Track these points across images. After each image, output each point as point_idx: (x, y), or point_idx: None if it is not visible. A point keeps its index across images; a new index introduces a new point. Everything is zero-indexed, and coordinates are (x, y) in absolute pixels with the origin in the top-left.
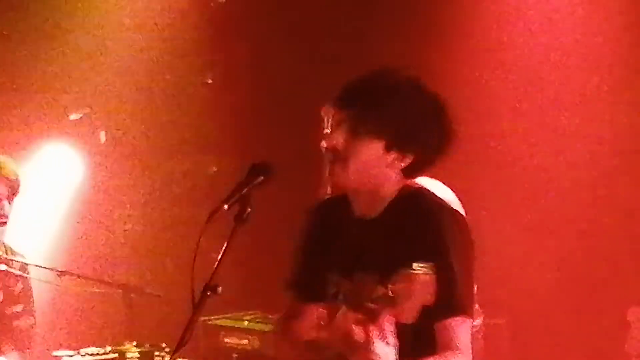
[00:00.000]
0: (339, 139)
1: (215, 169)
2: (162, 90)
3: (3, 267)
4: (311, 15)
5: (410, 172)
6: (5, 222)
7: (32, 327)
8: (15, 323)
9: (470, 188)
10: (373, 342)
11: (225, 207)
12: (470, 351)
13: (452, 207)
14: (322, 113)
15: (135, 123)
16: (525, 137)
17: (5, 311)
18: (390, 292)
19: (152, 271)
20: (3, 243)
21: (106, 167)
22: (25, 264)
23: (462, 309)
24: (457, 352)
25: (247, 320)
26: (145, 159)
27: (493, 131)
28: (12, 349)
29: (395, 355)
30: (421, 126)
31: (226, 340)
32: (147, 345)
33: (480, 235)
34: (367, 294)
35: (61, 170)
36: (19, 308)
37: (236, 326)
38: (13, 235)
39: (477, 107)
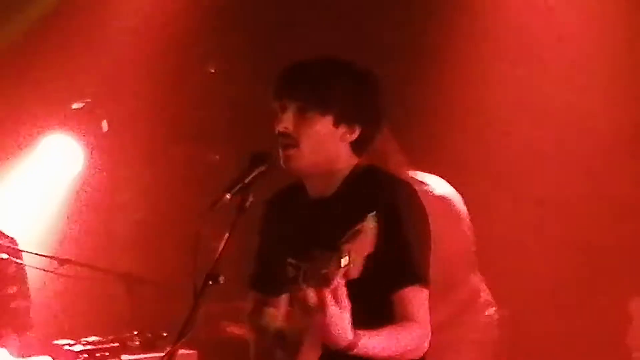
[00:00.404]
0: (289, 123)
1: (217, 157)
2: (165, 79)
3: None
4: (311, 4)
5: (359, 147)
6: None
7: (28, 309)
8: (12, 305)
9: (471, 182)
10: (328, 305)
11: (227, 196)
12: (428, 321)
13: (406, 181)
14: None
15: (138, 112)
16: (527, 126)
17: (1, 293)
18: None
19: (154, 260)
20: None
21: (108, 156)
22: (15, 248)
23: (417, 277)
24: (413, 322)
25: None
26: (147, 148)
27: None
28: (12, 334)
29: (349, 319)
30: (363, 99)
31: (227, 329)
32: (149, 334)
33: (483, 227)
34: (324, 268)
35: (63, 159)
36: (13, 289)
37: (238, 315)
38: (14, 223)
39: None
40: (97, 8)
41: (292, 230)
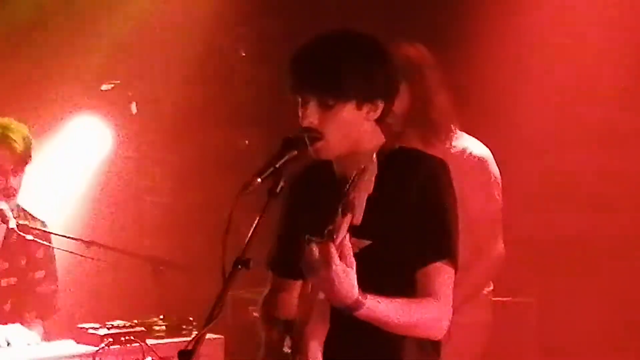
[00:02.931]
0: (314, 117)
1: (247, 142)
2: (195, 62)
3: (29, 237)
4: None
5: (382, 116)
6: (14, 195)
7: (55, 293)
8: (39, 289)
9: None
10: (333, 259)
11: (259, 180)
12: (449, 301)
13: (438, 157)
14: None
15: (167, 95)
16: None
17: (28, 277)
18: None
19: (181, 244)
20: (23, 209)
21: (137, 139)
22: (47, 232)
23: (444, 254)
24: (434, 299)
25: None
26: (176, 132)
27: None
28: (36, 317)
29: (354, 276)
30: (379, 72)
31: (255, 314)
32: (175, 319)
33: (511, 212)
34: (350, 249)
35: (91, 141)
36: (41, 274)
37: None
38: (42, 205)
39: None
40: None
41: (317, 211)
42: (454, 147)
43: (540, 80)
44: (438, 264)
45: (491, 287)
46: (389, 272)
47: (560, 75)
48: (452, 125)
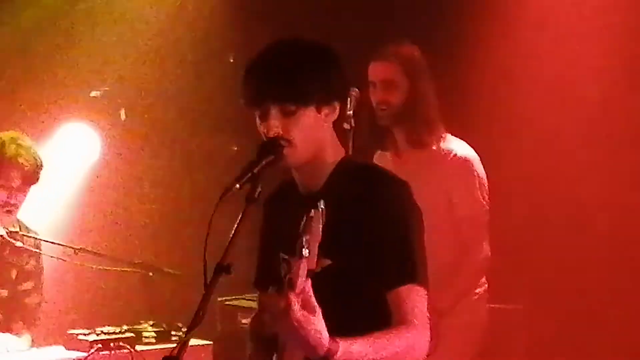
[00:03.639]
0: (277, 126)
1: (235, 148)
2: (184, 69)
3: (19, 243)
4: None
5: (338, 121)
6: (13, 211)
7: (40, 304)
8: (26, 300)
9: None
10: (294, 310)
11: (237, 186)
12: (426, 322)
13: (398, 177)
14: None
15: (156, 102)
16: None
17: (18, 288)
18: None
19: (170, 250)
20: (17, 220)
21: (126, 146)
22: (38, 240)
23: (412, 276)
24: (412, 326)
25: None
26: (165, 138)
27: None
28: (24, 327)
29: (321, 324)
30: (332, 75)
31: (243, 321)
32: (164, 325)
33: (499, 219)
34: (311, 268)
35: (80, 147)
36: (29, 285)
37: (253, 307)
38: (30, 213)
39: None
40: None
41: (287, 227)
42: (441, 148)
43: (531, 81)
44: (408, 286)
45: (485, 286)
46: (353, 292)
47: (552, 77)
48: (440, 127)
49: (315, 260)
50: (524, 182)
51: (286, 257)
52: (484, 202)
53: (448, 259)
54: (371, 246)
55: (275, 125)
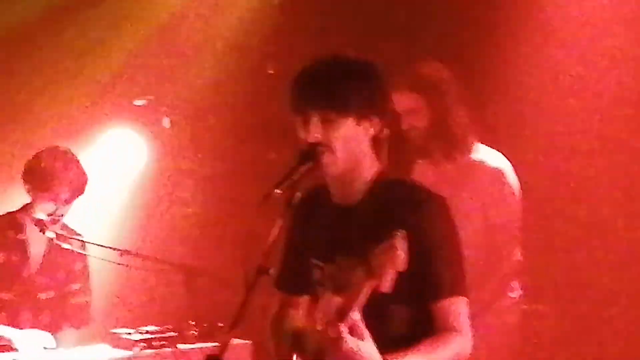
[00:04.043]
0: (317, 132)
1: (273, 155)
2: (226, 79)
3: (67, 245)
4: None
5: (379, 144)
6: (58, 221)
7: (88, 304)
8: (73, 300)
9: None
10: (344, 339)
11: (277, 191)
12: (468, 329)
13: (435, 193)
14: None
15: (199, 110)
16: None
17: (65, 289)
18: (368, 264)
19: (211, 252)
20: (64, 224)
21: (169, 152)
22: (84, 242)
23: (454, 290)
24: (454, 332)
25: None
26: (206, 145)
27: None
28: (70, 327)
29: (372, 347)
30: (374, 91)
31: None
32: (205, 325)
33: (528, 221)
34: (349, 278)
35: (126, 154)
36: (77, 286)
37: None
38: (78, 216)
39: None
40: (163, 11)
41: (317, 234)
42: (473, 159)
43: (549, 85)
44: (452, 299)
45: (520, 291)
46: (403, 309)
47: (575, 86)
48: (470, 139)
49: (392, 285)
50: (542, 185)
51: (320, 264)
52: (516, 210)
53: (481, 264)
54: (414, 262)
55: (315, 131)
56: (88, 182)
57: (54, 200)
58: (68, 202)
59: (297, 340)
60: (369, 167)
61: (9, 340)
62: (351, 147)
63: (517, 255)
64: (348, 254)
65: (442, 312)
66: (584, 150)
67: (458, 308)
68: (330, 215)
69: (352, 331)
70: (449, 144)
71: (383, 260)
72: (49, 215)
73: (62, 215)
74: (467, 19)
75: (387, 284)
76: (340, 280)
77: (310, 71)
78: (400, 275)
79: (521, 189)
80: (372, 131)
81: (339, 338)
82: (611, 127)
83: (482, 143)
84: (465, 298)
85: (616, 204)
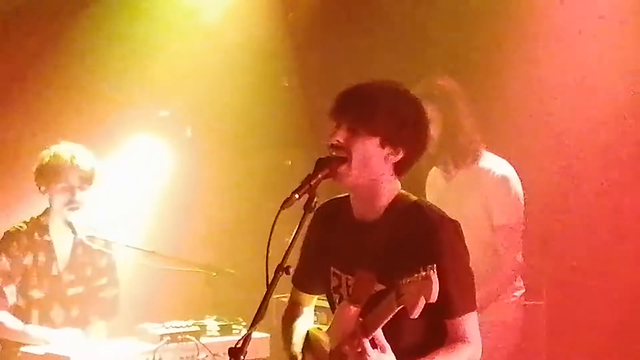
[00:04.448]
0: (341, 137)
1: (290, 162)
2: (244, 91)
3: (96, 246)
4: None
5: (401, 168)
6: (78, 208)
7: (115, 297)
8: (101, 295)
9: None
10: (368, 353)
11: (296, 196)
12: (479, 340)
13: (449, 218)
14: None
15: (219, 121)
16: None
17: (93, 284)
18: (400, 291)
19: (231, 253)
20: (91, 226)
21: (192, 160)
22: (110, 242)
23: (468, 308)
24: (466, 343)
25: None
26: (227, 153)
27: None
28: (99, 320)
29: (391, 356)
30: (409, 125)
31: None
32: (226, 320)
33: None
34: (367, 290)
35: (151, 161)
36: (104, 281)
37: None
38: (108, 219)
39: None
40: (185, 27)
41: (337, 244)
42: (481, 167)
43: (560, 89)
44: (466, 315)
45: (523, 290)
46: (417, 324)
47: (579, 81)
48: (478, 148)
49: (418, 312)
50: (556, 188)
51: (338, 272)
52: (519, 215)
53: (484, 264)
54: None
55: (340, 136)
56: (98, 171)
57: (68, 190)
58: (81, 188)
59: (306, 340)
60: (389, 188)
61: (44, 340)
62: (369, 164)
63: (519, 258)
64: (366, 268)
65: (455, 326)
66: (590, 158)
67: (470, 322)
68: (351, 229)
69: (373, 344)
70: (458, 152)
71: (416, 291)
72: (66, 205)
73: (79, 203)
74: (472, 32)
75: (417, 312)
76: (358, 293)
77: (356, 87)
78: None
79: (525, 194)
80: (394, 158)
81: (362, 352)
82: (618, 137)
83: (488, 151)
84: (476, 312)
85: (629, 203)
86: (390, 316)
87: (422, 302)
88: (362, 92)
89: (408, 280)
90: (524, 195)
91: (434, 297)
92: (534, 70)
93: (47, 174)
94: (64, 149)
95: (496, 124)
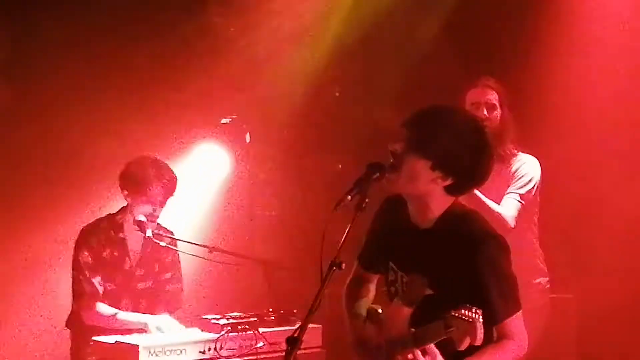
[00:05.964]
0: (399, 148)
1: (340, 166)
2: (299, 100)
3: (163, 243)
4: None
5: (453, 191)
6: (154, 221)
7: (179, 290)
8: (167, 288)
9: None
10: None
11: (348, 197)
12: (525, 336)
13: (493, 232)
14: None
15: (275, 127)
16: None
17: (159, 279)
18: (448, 322)
19: (287, 249)
20: (158, 223)
21: (250, 163)
22: (176, 239)
23: (510, 311)
24: (512, 340)
25: None
26: (282, 157)
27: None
28: (164, 311)
29: None
30: (466, 159)
31: None
32: (282, 311)
33: (554, 212)
34: (419, 293)
35: (213, 165)
36: (168, 275)
37: None
38: (175, 218)
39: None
40: (249, 42)
41: (395, 241)
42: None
43: (587, 91)
44: (512, 317)
45: (547, 278)
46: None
47: (616, 98)
48: (515, 150)
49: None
50: (579, 183)
51: (395, 268)
52: (536, 202)
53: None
54: (477, 292)
55: (399, 146)
56: (178, 183)
57: (151, 203)
58: (162, 203)
59: (369, 313)
60: (440, 202)
61: (145, 325)
62: (415, 181)
63: (537, 245)
64: (418, 272)
65: (500, 327)
66: (620, 163)
67: (514, 322)
68: (407, 231)
69: (424, 352)
70: (504, 144)
71: (463, 329)
72: (146, 216)
73: (157, 216)
74: (508, 37)
75: (463, 347)
76: (410, 294)
77: (431, 108)
78: (457, 294)
79: (557, 191)
80: (441, 182)
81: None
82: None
83: (525, 149)
84: (519, 312)
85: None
86: (437, 340)
87: (467, 341)
88: (433, 116)
89: (455, 314)
90: (555, 197)
91: (479, 341)
92: (574, 72)
93: (134, 184)
94: (152, 164)
95: (532, 125)
